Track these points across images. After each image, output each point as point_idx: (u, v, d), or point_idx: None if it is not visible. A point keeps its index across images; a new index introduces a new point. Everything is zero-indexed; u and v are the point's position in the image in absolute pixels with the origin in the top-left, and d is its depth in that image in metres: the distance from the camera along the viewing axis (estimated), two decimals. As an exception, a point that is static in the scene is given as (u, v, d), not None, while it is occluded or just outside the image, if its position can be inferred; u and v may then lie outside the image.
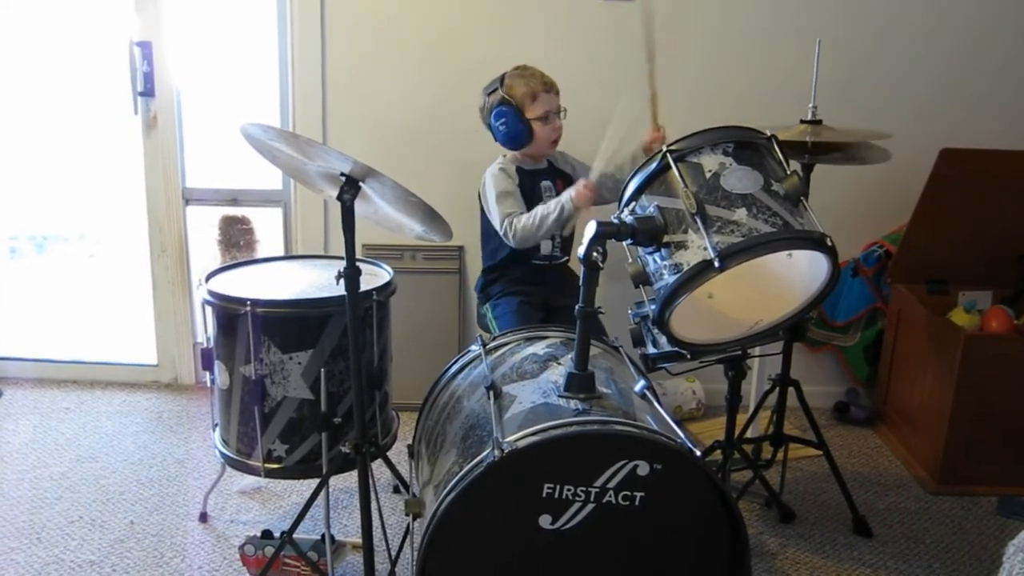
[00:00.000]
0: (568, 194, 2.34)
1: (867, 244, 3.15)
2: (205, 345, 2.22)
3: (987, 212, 2.78)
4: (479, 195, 2.58)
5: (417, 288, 3.08)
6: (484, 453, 1.57)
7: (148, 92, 3.08)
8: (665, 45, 2.29)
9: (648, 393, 1.82)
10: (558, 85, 2.51)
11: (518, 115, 2.42)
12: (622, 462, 1.56)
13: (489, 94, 2.47)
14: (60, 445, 2.86)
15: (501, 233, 2.43)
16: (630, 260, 1.76)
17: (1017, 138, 2.99)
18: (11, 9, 3.44)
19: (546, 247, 2.55)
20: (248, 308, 2.05)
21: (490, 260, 2.62)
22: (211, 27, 3.18)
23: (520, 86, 2.43)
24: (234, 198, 3.27)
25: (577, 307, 1.71)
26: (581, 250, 1.67)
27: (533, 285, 2.56)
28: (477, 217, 2.64)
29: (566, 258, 2.62)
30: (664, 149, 1.71)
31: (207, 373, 2.27)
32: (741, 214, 1.61)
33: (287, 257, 2.85)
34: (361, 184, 1.76)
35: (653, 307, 1.70)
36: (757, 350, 2.48)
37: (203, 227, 3.30)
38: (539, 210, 2.39)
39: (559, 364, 1.87)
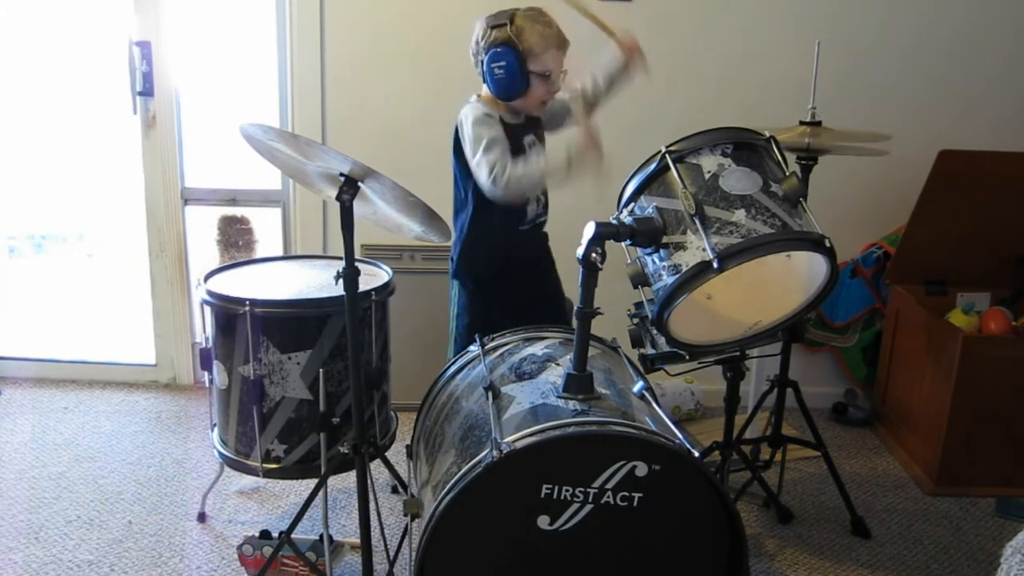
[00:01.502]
0: (574, 150, 2.02)
1: (866, 245, 3.15)
2: (204, 345, 2.22)
3: (985, 213, 2.78)
4: (453, 149, 2.24)
5: (416, 288, 3.08)
6: (483, 454, 1.57)
7: (147, 92, 3.08)
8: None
9: (647, 394, 1.82)
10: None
11: (520, 64, 2.09)
12: (620, 463, 1.56)
13: (493, 27, 2.12)
14: (58, 445, 2.85)
15: (488, 182, 2.05)
16: (629, 261, 1.76)
17: (1015, 139, 2.99)
18: (10, 8, 3.44)
19: (532, 210, 2.29)
20: (247, 308, 2.05)
21: (472, 233, 2.27)
22: (210, 27, 3.18)
23: (533, 34, 2.09)
24: (233, 198, 3.27)
25: (576, 307, 1.71)
26: (580, 251, 1.67)
27: (520, 256, 2.34)
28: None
29: (546, 216, 2.37)
30: (663, 150, 1.71)
31: (206, 373, 2.27)
32: (740, 215, 1.61)
33: (286, 257, 2.85)
34: (360, 184, 1.76)
35: (652, 308, 1.70)
36: (756, 351, 2.47)
37: (202, 227, 3.30)
38: (539, 163, 2.11)
39: (558, 365, 1.87)
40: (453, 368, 2.11)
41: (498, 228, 2.26)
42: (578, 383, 1.72)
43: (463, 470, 1.59)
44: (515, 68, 2.09)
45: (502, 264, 2.32)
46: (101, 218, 4.37)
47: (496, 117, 2.16)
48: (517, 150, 2.18)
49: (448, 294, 3.15)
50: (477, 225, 2.26)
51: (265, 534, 2.15)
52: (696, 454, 1.59)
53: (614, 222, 1.68)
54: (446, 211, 1.82)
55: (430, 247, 3.07)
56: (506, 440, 1.55)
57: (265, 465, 2.16)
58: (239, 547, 2.15)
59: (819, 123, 2.37)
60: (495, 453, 1.52)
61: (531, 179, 2.08)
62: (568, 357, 1.80)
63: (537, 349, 1.99)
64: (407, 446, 2.15)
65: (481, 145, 2.09)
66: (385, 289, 2.22)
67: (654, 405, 1.80)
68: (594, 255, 1.65)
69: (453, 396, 1.98)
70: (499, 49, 2.10)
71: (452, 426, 1.85)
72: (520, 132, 2.23)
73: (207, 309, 2.17)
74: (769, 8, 2.99)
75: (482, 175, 2.07)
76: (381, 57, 3.04)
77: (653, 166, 1.72)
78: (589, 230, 1.66)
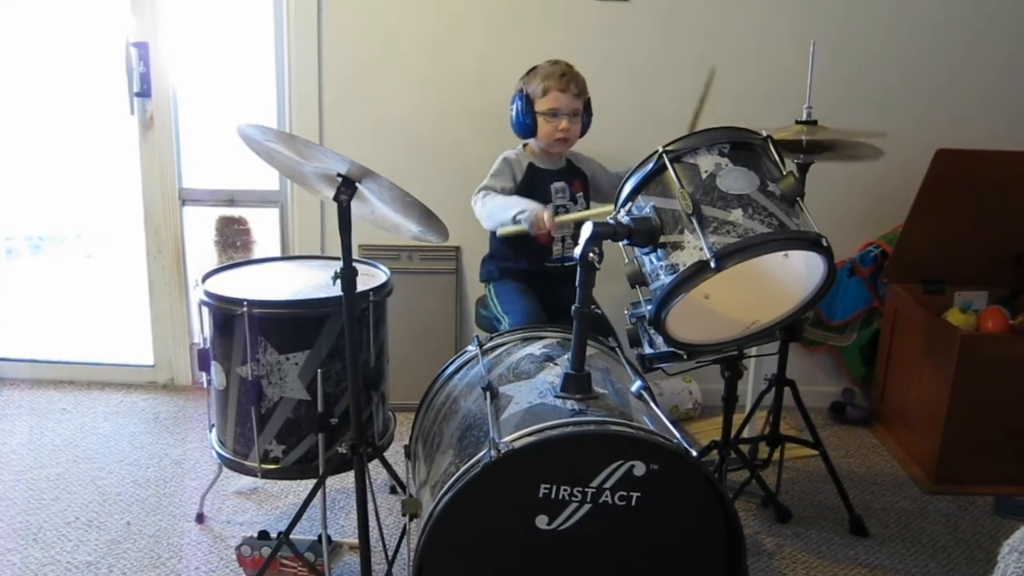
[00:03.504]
0: (532, 212, 2.24)
1: (863, 244, 3.15)
2: (202, 346, 2.22)
3: (983, 212, 2.79)
4: None
5: (414, 289, 3.08)
6: (481, 454, 1.57)
7: (144, 93, 3.08)
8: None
9: (644, 393, 1.82)
10: (584, 86, 2.47)
11: (527, 105, 2.42)
12: (618, 462, 1.56)
13: (520, 79, 2.49)
14: (57, 446, 2.85)
15: (473, 196, 2.43)
16: (626, 261, 1.76)
17: (1013, 138, 3.00)
18: (8, 9, 3.44)
19: (557, 248, 2.50)
20: (245, 309, 2.05)
21: (498, 251, 2.56)
22: (208, 28, 3.18)
23: (536, 79, 2.42)
24: (231, 198, 3.27)
25: (573, 307, 1.71)
26: (578, 250, 1.68)
27: (543, 288, 2.50)
28: (474, 217, 2.64)
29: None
30: (661, 150, 1.71)
31: (204, 374, 2.26)
32: (737, 215, 1.61)
33: (284, 258, 2.84)
34: (358, 185, 1.76)
35: (649, 307, 1.70)
36: (754, 350, 2.49)
37: (200, 228, 3.30)
38: (511, 200, 2.33)
39: (556, 365, 1.87)
40: (451, 368, 2.11)
41: (522, 253, 2.50)
42: (576, 383, 1.72)
43: (461, 470, 1.59)
44: (521, 109, 2.43)
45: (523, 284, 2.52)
46: (99, 219, 4.38)
47: (525, 163, 2.49)
48: (543, 191, 2.46)
49: (449, 295, 3.15)
50: (501, 243, 2.51)
51: (263, 535, 2.15)
52: (694, 453, 1.59)
53: (611, 222, 1.68)
54: (443, 211, 1.82)
55: (428, 247, 3.07)
56: (504, 440, 1.56)
57: (263, 466, 2.16)
58: (237, 548, 2.15)
59: (815, 122, 2.37)
60: (493, 453, 1.53)
61: (497, 207, 2.34)
62: (566, 357, 1.80)
63: (535, 349, 1.99)
64: (405, 446, 2.15)
65: (489, 175, 2.47)
66: (383, 289, 2.22)
67: (652, 404, 1.80)
68: (592, 255, 1.65)
69: (451, 396, 1.99)
70: (515, 95, 2.46)
71: (450, 426, 1.85)
72: (551, 177, 2.50)
73: (205, 310, 2.17)
74: (767, 9, 2.99)
75: (476, 192, 2.45)
76: (379, 57, 3.03)
77: (650, 166, 1.72)
78: (587, 230, 1.66)
